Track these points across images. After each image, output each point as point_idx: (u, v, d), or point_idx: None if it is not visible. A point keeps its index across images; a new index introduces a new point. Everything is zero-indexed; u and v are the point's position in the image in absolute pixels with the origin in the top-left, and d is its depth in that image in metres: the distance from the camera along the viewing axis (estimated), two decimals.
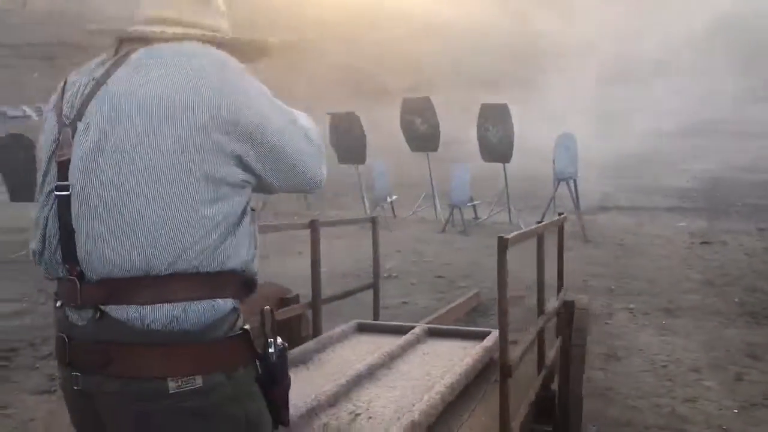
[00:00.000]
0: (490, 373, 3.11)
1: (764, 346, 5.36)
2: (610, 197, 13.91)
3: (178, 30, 1.50)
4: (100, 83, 1.43)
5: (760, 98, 21.96)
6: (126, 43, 1.51)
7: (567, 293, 3.59)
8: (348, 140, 12.88)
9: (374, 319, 4.36)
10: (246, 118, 1.42)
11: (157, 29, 1.50)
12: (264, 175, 1.49)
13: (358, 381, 2.79)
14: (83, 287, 1.38)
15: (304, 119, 1.58)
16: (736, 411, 4.21)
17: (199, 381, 1.35)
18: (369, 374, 2.90)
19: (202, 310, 1.37)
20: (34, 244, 1.47)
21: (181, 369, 1.35)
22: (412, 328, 3.69)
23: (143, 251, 1.34)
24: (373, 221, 4.44)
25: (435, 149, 12.82)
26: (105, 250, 1.36)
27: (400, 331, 3.67)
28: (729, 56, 21.01)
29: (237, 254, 1.43)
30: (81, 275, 1.39)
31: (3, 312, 6.85)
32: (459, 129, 14.64)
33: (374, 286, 4.44)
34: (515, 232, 2.37)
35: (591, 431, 2.78)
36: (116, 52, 1.50)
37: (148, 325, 1.34)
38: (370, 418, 2.44)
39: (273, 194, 1.59)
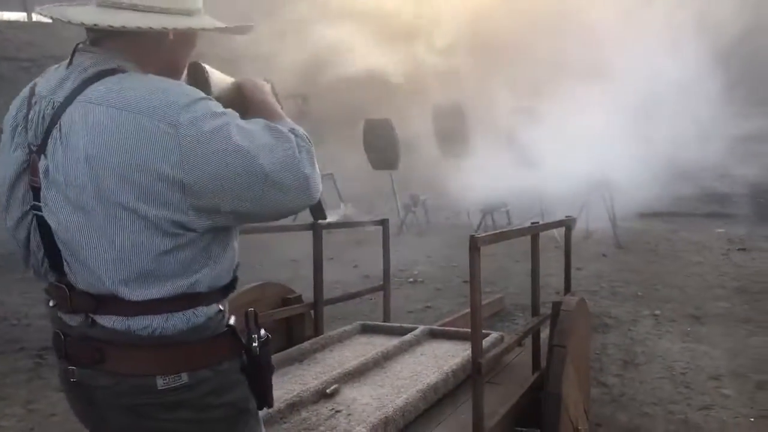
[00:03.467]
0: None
1: None
2: (648, 203, 13.60)
3: (130, 17, 1.41)
4: (57, 115, 1.40)
5: None
6: (80, 49, 1.46)
7: (568, 296, 3.56)
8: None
9: (384, 321, 4.37)
10: (202, 185, 1.37)
11: (102, 18, 1.41)
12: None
13: (346, 379, 2.82)
14: (72, 295, 1.44)
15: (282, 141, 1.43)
16: (752, 419, 4.10)
17: (185, 377, 1.42)
18: (359, 373, 2.93)
19: (185, 318, 1.42)
20: (19, 255, 1.54)
21: (168, 368, 1.41)
22: (415, 329, 3.70)
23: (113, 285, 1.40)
24: (384, 224, 4.46)
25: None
26: (82, 273, 1.42)
27: (403, 332, 3.69)
28: None
29: (214, 277, 1.47)
30: (70, 284, 1.44)
31: (41, 312, 7.08)
32: None
33: (384, 289, 4.46)
34: (489, 232, 2.37)
35: None
36: (71, 60, 1.45)
37: (134, 332, 1.40)
38: (349, 415, 2.47)
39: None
